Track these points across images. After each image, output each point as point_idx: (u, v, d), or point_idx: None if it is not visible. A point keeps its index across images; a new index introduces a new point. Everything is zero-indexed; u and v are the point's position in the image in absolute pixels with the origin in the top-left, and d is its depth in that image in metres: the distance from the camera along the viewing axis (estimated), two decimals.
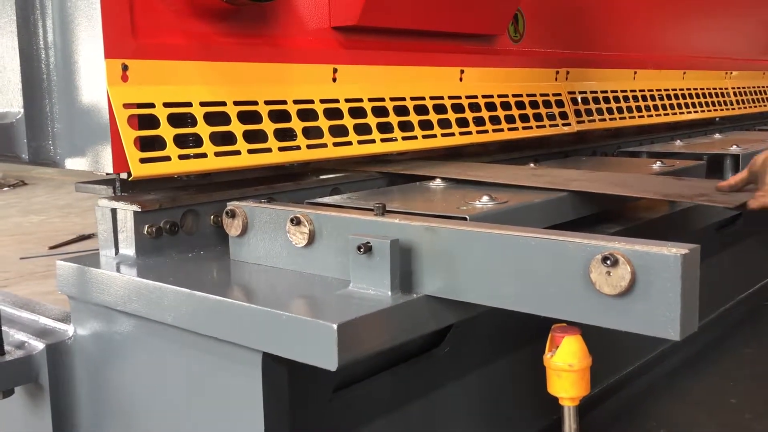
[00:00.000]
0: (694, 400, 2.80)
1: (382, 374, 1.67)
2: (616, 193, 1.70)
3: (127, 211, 1.53)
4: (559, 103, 2.69)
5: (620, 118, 3.01)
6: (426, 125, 2.14)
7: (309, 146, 1.80)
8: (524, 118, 2.51)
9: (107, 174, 1.56)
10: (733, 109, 3.96)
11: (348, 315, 1.14)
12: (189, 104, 1.59)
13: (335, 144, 1.86)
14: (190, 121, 1.60)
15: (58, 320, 1.64)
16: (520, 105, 2.52)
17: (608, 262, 1.05)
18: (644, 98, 3.22)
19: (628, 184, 1.79)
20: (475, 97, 2.34)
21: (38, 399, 1.58)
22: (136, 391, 1.49)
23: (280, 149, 1.73)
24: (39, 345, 1.55)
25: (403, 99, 2.09)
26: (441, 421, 1.86)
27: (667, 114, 3.37)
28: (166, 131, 1.54)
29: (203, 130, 1.60)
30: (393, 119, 2.04)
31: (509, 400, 2.09)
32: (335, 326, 1.10)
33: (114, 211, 1.56)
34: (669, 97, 3.41)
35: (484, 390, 2.00)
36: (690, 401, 2.78)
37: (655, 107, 3.28)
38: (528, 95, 2.55)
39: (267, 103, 1.73)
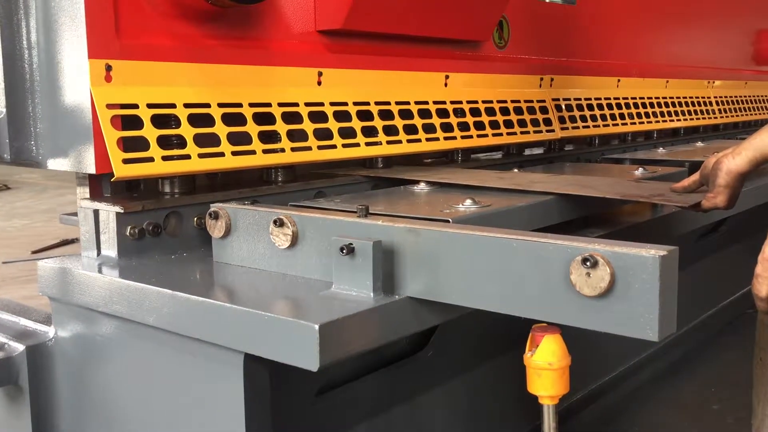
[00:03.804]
0: (677, 405, 2.82)
1: (366, 377, 1.67)
2: (577, 193, 1.72)
3: (109, 212, 1.53)
4: (544, 110, 2.71)
5: (604, 126, 3.03)
6: (411, 129, 2.15)
7: (293, 149, 1.80)
8: (509, 123, 2.52)
9: (90, 175, 1.56)
10: (716, 117, 4.00)
11: (330, 316, 1.14)
12: (173, 105, 1.59)
13: (320, 147, 1.86)
14: (174, 122, 1.60)
15: (38, 322, 1.63)
16: (505, 111, 2.53)
17: (588, 263, 1.06)
18: (627, 106, 3.25)
19: (590, 186, 1.82)
20: (460, 102, 2.36)
21: (18, 401, 1.57)
22: (117, 392, 1.48)
23: (264, 152, 1.73)
24: (19, 347, 1.54)
25: (388, 103, 2.10)
26: (425, 424, 1.86)
27: (650, 122, 3.40)
28: (150, 132, 1.54)
29: (187, 131, 1.59)
30: (378, 123, 2.05)
31: (493, 404, 2.10)
32: (317, 326, 1.10)
33: (96, 212, 1.55)
34: (652, 105, 3.44)
35: (468, 394, 2.00)
36: (673, 406, 2.81)
37: (639, 115, 3.31)
38: (512, 101, 2.57)
39: (251, 105, 1.73)
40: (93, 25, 1.47)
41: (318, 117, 1.89)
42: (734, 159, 1.58)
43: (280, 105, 1.80)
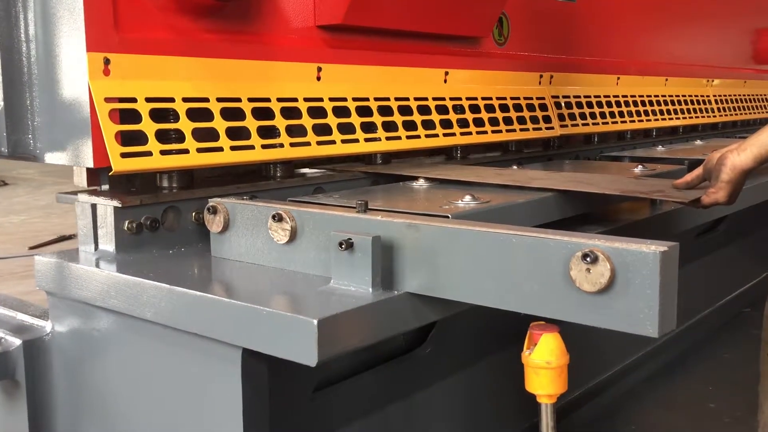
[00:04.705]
0: (673, 404, 2.82)
1: (364, 374, 1.67)
2: (577, 190, 1.71)
3: (107, 207, 1.52)
4: (543, 107, 2.70)
5: (603, 123, 3.03)
6: (410, 126, 2.14)
7: (292, 144, 1.79)
8: (508, 121, 2.52)
9: (88, 170, 1.55)
10: (714, 116, 4.00)
11: (328, 311, 1.13)
12: (171, 99, 1.58)
13: (319, 143, 1.86)
14: (173, 116, 1.59)
15: (35, 317, 1.62)
16: (504, 108, 2.53)
17: (588, 259, 1.06)
18: (627, 104, 3.25)
19: (589, 182, 1.82)
20: (460, 98, 2.35)
21: (14, 396, 1.56)
22: (114, 387, 1.48)
23: (263, 147, 1.72)
24: (16, 341, 1.53)
25: (388, 99, 2.09)
26: (422, 421, 1.86)
27: (650, 120, 3.40)
28: (148, 126, 1.53)
29: (185, 125, 1.59)
30: (377, 119, 2.04)
31: (491, 401, 2.10)
32: (315, 322, 1.09)
33: (94, 207, 1.55)
34: (651, 103, 3.44)
35: (466, 391, 2.00)
36: (670, 405, 2.81)
37: (638, 113, 3.31)
38: (512, 98, 2.56)
39: (250, 100, 1.73)
40: (91, 18, 1.46)
41: (317, 112, 1.89)
42: (739, 155, 1.57)
43: (279, 100, 1.80)
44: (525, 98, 2.62)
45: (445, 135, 2.25)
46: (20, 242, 2.98)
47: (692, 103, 3.82)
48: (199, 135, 1.61)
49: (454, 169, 2.10)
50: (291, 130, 1.81)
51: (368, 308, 1.20)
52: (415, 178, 1.88)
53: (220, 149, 1.64)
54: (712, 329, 3.46)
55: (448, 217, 1.38)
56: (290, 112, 1.82)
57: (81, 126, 1.49)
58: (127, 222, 1.52)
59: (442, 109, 2.28)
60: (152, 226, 1.55)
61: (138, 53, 1.54)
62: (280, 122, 1.78)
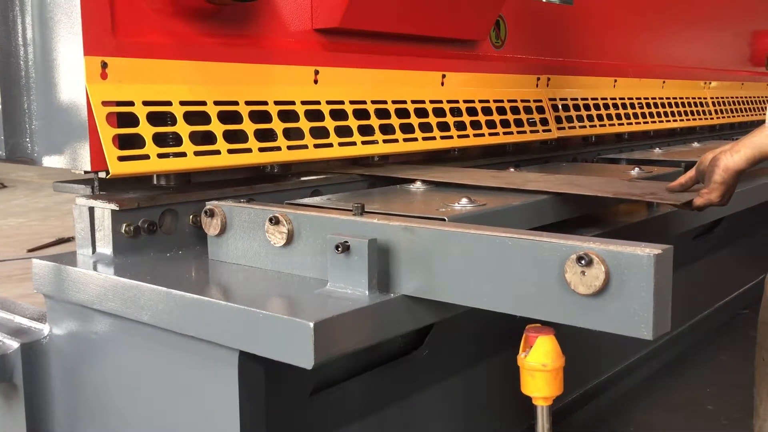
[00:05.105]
0: (671, 405, 2.82)
1: (361, 377, 1.67)
2: (571, 192, 1.72)
3: (104, 210, 1.53)
4: (540, 110, 2.71)
5: (600, 126, 3.04)
6: (407, 129, 2.15)
7: (289, 147, 1.80)
8: (505, 123, 2.53)
9: (85, 172, 1.56)
10: (712, 118, 4.01)
11: (325, 314, 1.14)
12: (169, 103, 1.59)
13: (316, 146, 1.86)
14: (170, 120, 1.59)
15: (33, 319, 1.62)
16: (501, 111, 2.53)
17: (583, 261, 1.06)
18: (624, 106, 3.25)
19: (584, 185, 1.82)
20: (457, 101, 2.36)
21: (12, 398, 1.57)
22: (112, 390, 1.48)
23: (260, 150, 1.73)
24: (13, 344, 1.54)
25: (385, 102, 2.10)
26: (419, 423, 1.86)
27: (647, 122, 3.40)
28: (145, 129, 1.54)
29: (183, 129, 1.59)
30: (374, 122, 2.05)
31: (487, 404, 2.10)
32: (312, 324, 1.10)
33: (92, 210, 1.55)
34: (648, 105, 3.44)
35: (463, 393, 2.00)
36: (667, 407, 2.81)
37: (635, 115, 3.32)
38: (509, 101, 2.57)
39: (248, 103, 1.73)
40: (89, 22, 1.46)
41: (314, 115, 1.89)
42: (732, 156, 1.57)
43: (277, 103, 1.80)
44: (522, 101, 2.63)
45: (442, 138, 2.26)
46: (18, 245, 2.98)
47: (689, 105, 3.82)
48: (197, 138, 1.62)
49: (451, 171, 2.10)
50: (288, 133, 1.81)
51: (364, 311, 1.20)
52: (412, 181, 1.89)
53: (218, 152, 1.64)
54: (709, 331, 3.46)
55: (444, 219, 1.38)
56: (287, 115, 1.82)
57: (78, 129, 1.49)
58: (124, 225, 1.52)
59: (439, 112, 2.28)
60: (150, 229, 1.56)
61: (135, 57, 1.54)
62: (277, 125, 1.78)
